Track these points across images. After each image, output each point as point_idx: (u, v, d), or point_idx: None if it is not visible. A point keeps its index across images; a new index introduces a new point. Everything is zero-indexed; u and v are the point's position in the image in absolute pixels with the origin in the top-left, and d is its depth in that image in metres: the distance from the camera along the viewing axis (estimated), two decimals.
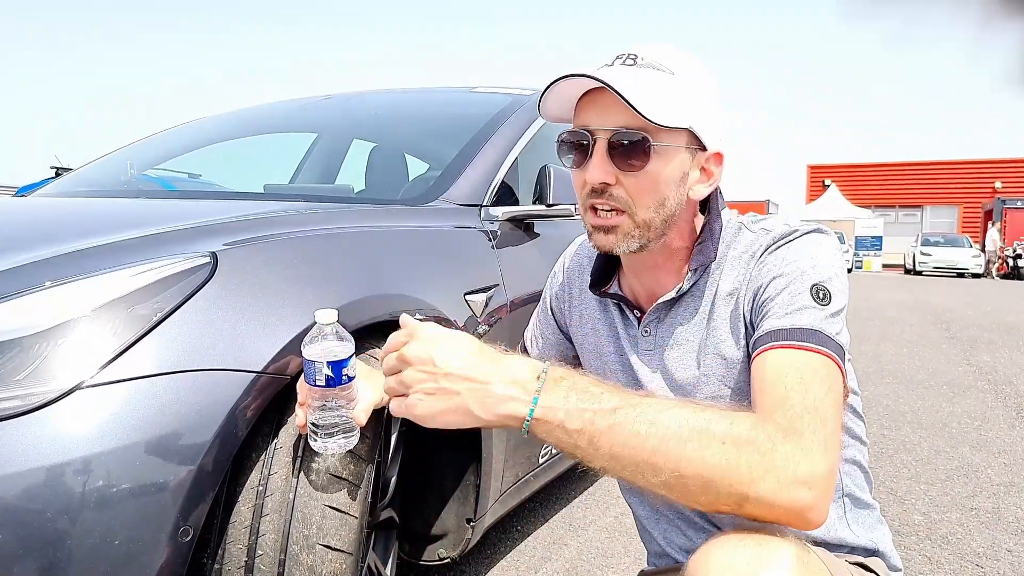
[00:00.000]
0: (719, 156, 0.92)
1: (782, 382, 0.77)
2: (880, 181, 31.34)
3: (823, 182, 30.10)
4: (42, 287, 0.89)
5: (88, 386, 0.83)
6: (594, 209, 0.89)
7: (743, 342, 0.89)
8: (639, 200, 0.87)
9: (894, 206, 31.04)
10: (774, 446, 0.70)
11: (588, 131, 0.87)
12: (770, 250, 0.88)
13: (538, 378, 0.76)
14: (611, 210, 0.88)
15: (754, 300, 0.87)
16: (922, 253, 20.93)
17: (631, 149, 0.85)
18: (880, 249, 23.43)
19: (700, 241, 0.93)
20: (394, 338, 0.81)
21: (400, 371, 0.79)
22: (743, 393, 0.91)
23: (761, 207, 21.02)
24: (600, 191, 0.87)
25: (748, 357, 0.88)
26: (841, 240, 21.08)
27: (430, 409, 0.77)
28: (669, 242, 0.93)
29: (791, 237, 0.88)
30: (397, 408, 0.80)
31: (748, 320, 0.88)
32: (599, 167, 0.86)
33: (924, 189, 30.81)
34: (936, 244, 21.38)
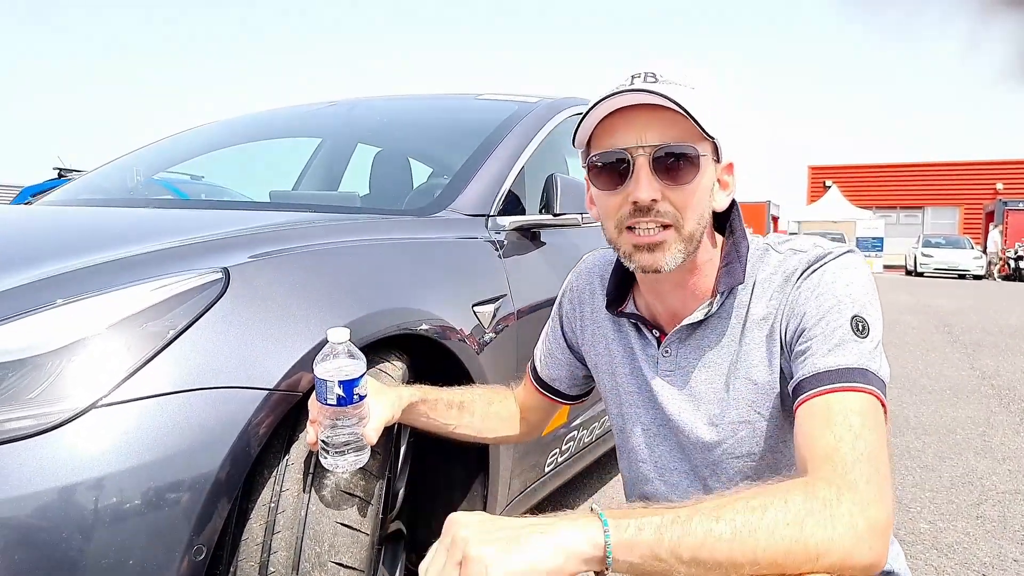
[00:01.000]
0: (731, 166, 0.94)
1: (831, 431, 0.76)
2: (881, 182, 31.32)
3: (824, 183, 30.10)
4: (54, 305, 0.89)
5: (103, 405, 0.83)
6: (631, 229, 0.88)
7: (777, 367, 0.89)
8: (686, 213, 0.87)
9: (895, 207, 31.02)
10: (832, 512, 0.68)
11: (626, 150, 0.86)
12: (805, 275, 0.88)
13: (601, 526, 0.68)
14: (657, 227, 0.87)
15: (793, 329, 0.87)
16: (923, 255, 20.91)
17: (680, 163, 0.86)
18: (881, 250, 23.42)
19: (727, 263, 0.93)
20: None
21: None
22: (774, 421, 0.91)
23: (762, 208, 20.99)
24: (646, 209, 0.87)
25: (782, 383, 0.89)
26: (842, 241, 21.07)
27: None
28: (696, 258, 0.93)
29: (825, 260, 0.88)
30: None
31: (788, 348, 0.88)
32: (647, 185, 0.85)
33: (925, 190, 30.79)
34: (937, 245, 21.36)
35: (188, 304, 0.93)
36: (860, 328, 0.82)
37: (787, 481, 0.73)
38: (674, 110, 0.83)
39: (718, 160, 0.91)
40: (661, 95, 0.83)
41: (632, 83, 0.87)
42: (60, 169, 8.27)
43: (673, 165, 0.86)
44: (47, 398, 0.82)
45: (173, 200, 2.09)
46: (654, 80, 0.86)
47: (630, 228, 0.89)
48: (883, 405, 0.80)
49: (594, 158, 0.90)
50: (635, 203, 0.86)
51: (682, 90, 0.85)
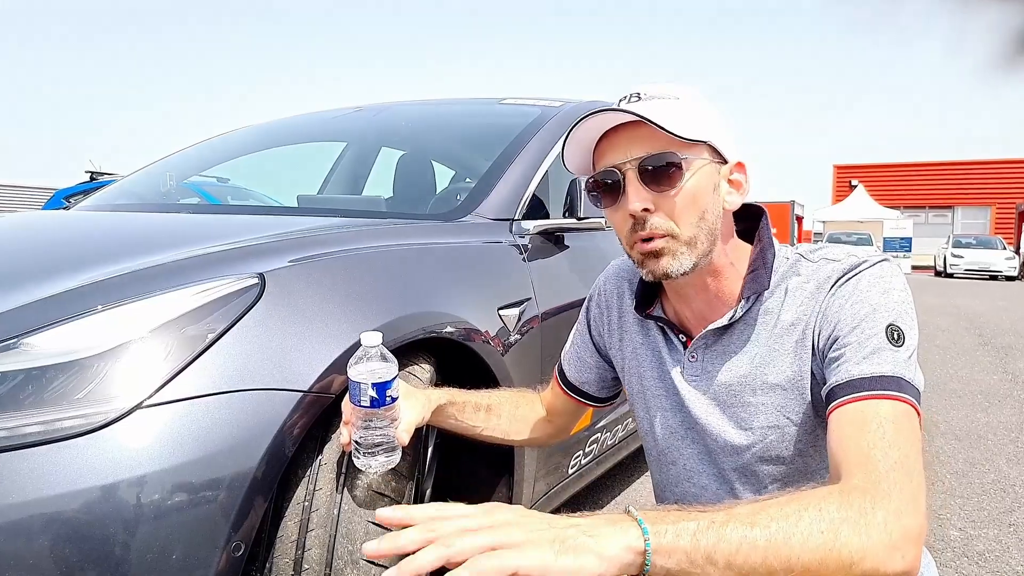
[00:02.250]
0: (741, 165, 0.96)
1: (864, 438, 0.76)
2: (909, 181, 30.81)
3: (850, 182, 29.67)
4: (96, 310, 0.92)
5: (146, 406, 0.86)
6: (639, 241, 0.92)
7: (807, 373, 0.90)
8: (681, 219, 0.90)
9: (924, 207, 30.49)
10: (867, 520, 0.69)
11: (615, 168, 0.91)
12: (840, 283, 0.89)
13: (640, 531, 0.67)
14: (655, 237, 0.91)
15: (827, 336, 0.88)
16: (953, 255, 20.51)
17: (662, 170, 0.89)
18: (909, 251, 23.03)
19: (753, 269, 0.95)
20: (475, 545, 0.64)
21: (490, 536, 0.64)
22: (804, 427, 0.92)
23: (785, 208, 20.74)
24: (642, 221, 0.90)
25: (813, 389, 0.90)
26: (868, 242, 20.75)
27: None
28: (715, 261, 0.94)
29: (860, 268, 0.89)
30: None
31: (821, 355, 0.89)
32: (635, 196, 0.90)
33: (955, 189, 30.21)
34: (968, 246, 20.95)
35: (226, 308, 0.97)
36: (895, 337, 0.83)
37: (821, 488, 0.73)
38: (652, 124, 0.87)
39: (723, 161, 0.94)
40: (630, 112, 0.88)
41: (619, 104, 0.92)
42: (92, 172, 8.46)
43: (658, 173, 0.89)
44: (94, 399, 0.86)
45: (206, 206, 2.14)
46: (637, 100, 0.91)
47: (638, 240, 0.92)
48: (918, 413, 0.80)
49: (591, 180, 0.95)
50: (632, 215, 0.90)
51: (664, 103, 0.90)
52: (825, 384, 0.86)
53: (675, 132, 0.86)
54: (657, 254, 0.91)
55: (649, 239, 0.91)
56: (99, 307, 0.92)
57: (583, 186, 0.99)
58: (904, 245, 23.11)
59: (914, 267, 23.09)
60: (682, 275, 0.91)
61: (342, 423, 0.96)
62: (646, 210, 0.89)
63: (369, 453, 0.94)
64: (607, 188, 0.93)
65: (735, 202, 0.95)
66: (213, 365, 0.92)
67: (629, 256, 0.97)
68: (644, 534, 0.66)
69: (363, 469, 0.96)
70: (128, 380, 0.87)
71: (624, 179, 0.91)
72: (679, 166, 0.89)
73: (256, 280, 1.01)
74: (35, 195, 16.48)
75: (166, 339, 0.91)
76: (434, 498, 1.38)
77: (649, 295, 1.05)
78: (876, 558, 0.68)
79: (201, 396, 0.90)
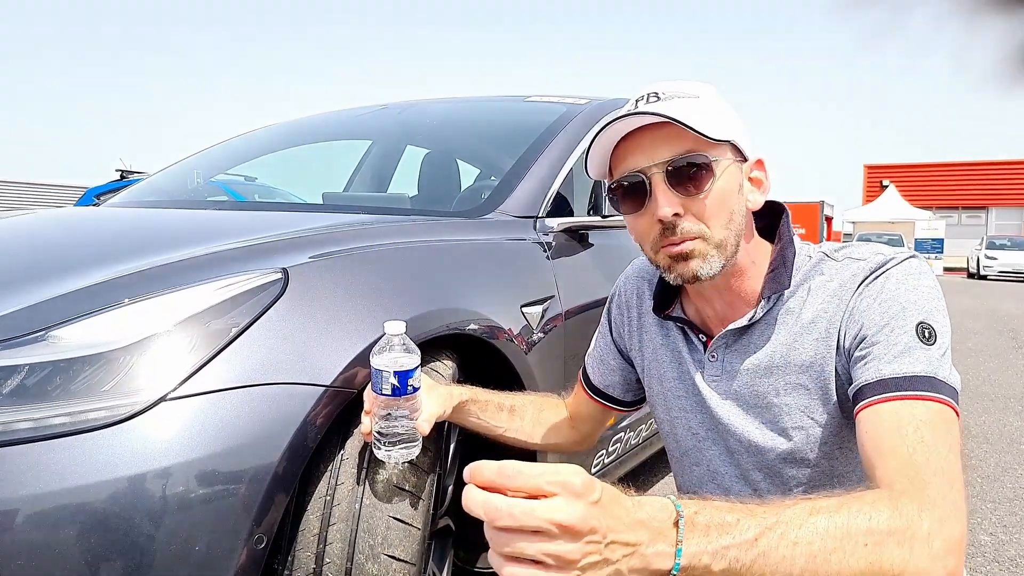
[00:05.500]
0: (760, 163, 0.94)
1: (903, 442, 0.74)
2: (942, 181, 30.22)
3: (881, 182, 29.17)
4: (123, 304, 0.93)
5: (171, 398, 0.87)
6: (665, 245, 0.90)
7: (831, 374, 0.88)
8: (712, 221, 0.88)
9: (957, 207, 29.89)
10: (913, 531, 0.66)
11: (640, 172, 0.88)
12: (867, 282, 0.86)
13: (675, 523, 0.62)
14: (685, 240, 0.88)
15: (853, 336, 0.85)
16: (987, 256, 20.06)
17: (694, 173, 0.86)
18: (941, 252, 22.57)
19: (774, 268, 0.93)
20: (524, 482, 0.57)
21: (546, 535, 0.56)
22: (829, 428, 0.90)
23: (815, 209, 20.44)
24: (671, 226, 0.88)
25: (838, 390, 0.88)
26: (900, 243, 20.39)
27: None
28: (739, 261, 0.92)
29: (887, 266, 0.87)
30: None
31: (847, 355, 0.86)
32: (664, 200, 0.87)
33: (989, 190, 29.58)
34: (1002, 247, 20.47)
35: (250, 303, 0.97)
36: (927, 335, 0.80)
37: (868, 492, 0.70)
38: (680, 125, 0.84)
39: (744, 159, 0.92)
40: (656, 114, 0.85)
41: (636, 107, 0.89)
42: (122, 171, 8.61)
43: (687, 176, 0.86)
44: (119, 391, 0.86)
45: (232, 202, 2.16)
46: (656, 100, 0.88)
47: (664, 245, 0.90)
48: (956, 413, 0.77)
49: (614, 185, 0.92)
50: (660, 221, 0.88)
51: (685, 102, 0.87)
52: (852, 383, 0.84)
53: (703, 132, 0.84)
54: (687, 256, 0.88)
55: (679, 242, 0.88)
56: (126, 300, 0.93)
57: (605, 189, 0.97)
58: (936, 246, 22.66)
59: (946, 269, 22.63)
60: (710, 278, 0.89)
61: (363, 412, 0.97)
62: (676, 214, 0.87)
63: (390, 443, 0.95)
64: (631, 192, 0.90)
65: (758, 200, 0.94)
66: (237, 359, 0.93)
67: (652, 261, 0.94)
68: (677, 556, 0.60)
69: (384, 460, 0.96)
70: (153, 373, 0.88)
71: (651, 183, 0.88)
72: (708, 167, 0.86)
73: (280, 275, 1.02)
74: (67, 193, 16.86)
75: (191, 333, 0.92)
76: (455, 495, 1.38)
77: (668, 295, 1.04)
78: (918, 569, 0.66)
79: (224, 390, 0.90)
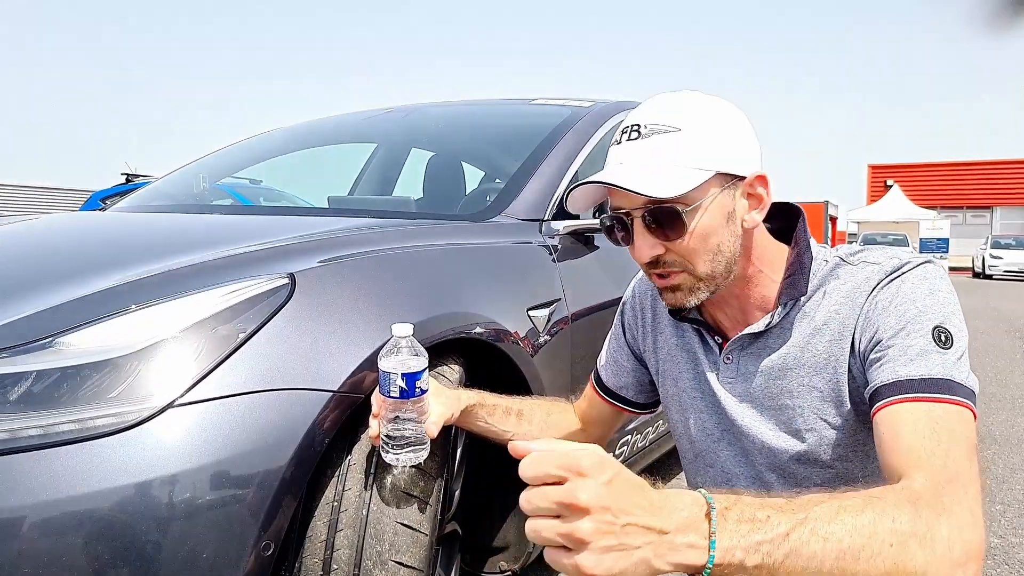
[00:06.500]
0: (762, 178, 0.90)
1: (921, 444, 0.73)
2: (946, 181, 30.12)
3: (885, 182, 29.08)
4: (129, 310, 0.93)
5: (178, 405, 0.87)
6: (652, 276, 0.93)
7: (845, 377, 0.88)
8: (693, 259, 0.89)
9: (961, 207, 29.79)
10: (933, 535, 0.66)
11: (622, 212, 0.91)
12: (882, 285, 0.86)
13: (707, 516, 0.63)
14: (671, 274, 0.91)
15: (869, 339, 0.85)
16: (992, 256, 20.01)
17: (667, 219, 0.87)
18: (946, 252, 22.50)
19: (790, 274, 0.92)
20: (535, 470, 0.62)
21: (562, 517, 0.60)
22: (844, 431, 0.90)
23: (819, 209, 20.39)
24: (655, 262, 0.90)
25: (852, 394, 0.88)
26: (904, 242, 20.33)
27: (609, 569, 0.60)
28: (743, 271, 0.92)
29: (903, 270, 0.86)
30: (557, 561, 0.61)
31: (862, 358, 0.86)
32: (644, 245, 0.89)
33: (994, 189, 29.47)
34: (1007, 247, 20.42)
35: (256, 308, 0.97)
36: (943, 339, 0.80)
37: (890, 492, 0.69)
38: (645, 195, 0.85)
39: (741, 178, 0.89)
40: (618, 187, 0.86)
41: (621, 140, 0.91)
42: (128, 174, 8.63)
43: (664, 221, 0.87)
44: (126, 398, 0.86)
45: (238, 207, 2.16)
46: (637, 135, 0.88)
47: (655, 275, 0.93)
48: (974, 415, 0.77)
49: (604, 219, 0.95)
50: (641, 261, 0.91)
51: (664, 139, 0.86)
52: (868, 385, 0.83)
53: (666, 196, 0.83)
54: (673, 289, 0.91)
55: (666, 275, 0.90)
56: (132, 307, 0.93)
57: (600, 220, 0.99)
58: (941, 246, 22.58)
59: (951, 268, 22.53)
60: (699, 303, 0.93)
61: (371, 416, 0.96)
62: (657, 255, 0.89)
63: (397, 447, 0.94)
64: (619, 227, 0.93)
65: (756, 219, 0.91)
66: (243, 365, 0.92)
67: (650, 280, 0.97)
68: (711, 547, 0.61)
69: (391, 463, 0.96)
70: (160, 379, 0.88)
71: (632, 224, 0.90)
72: (680, 215, 0.86)
73: (286, 280, 1.01)
74: (73, 197, 16.91)
75: (197, 339, 0.92)
76: (462, 500, 1.38)
77: None
78: (938, 574, 0.65)
79: (231, 395, 0.90)
